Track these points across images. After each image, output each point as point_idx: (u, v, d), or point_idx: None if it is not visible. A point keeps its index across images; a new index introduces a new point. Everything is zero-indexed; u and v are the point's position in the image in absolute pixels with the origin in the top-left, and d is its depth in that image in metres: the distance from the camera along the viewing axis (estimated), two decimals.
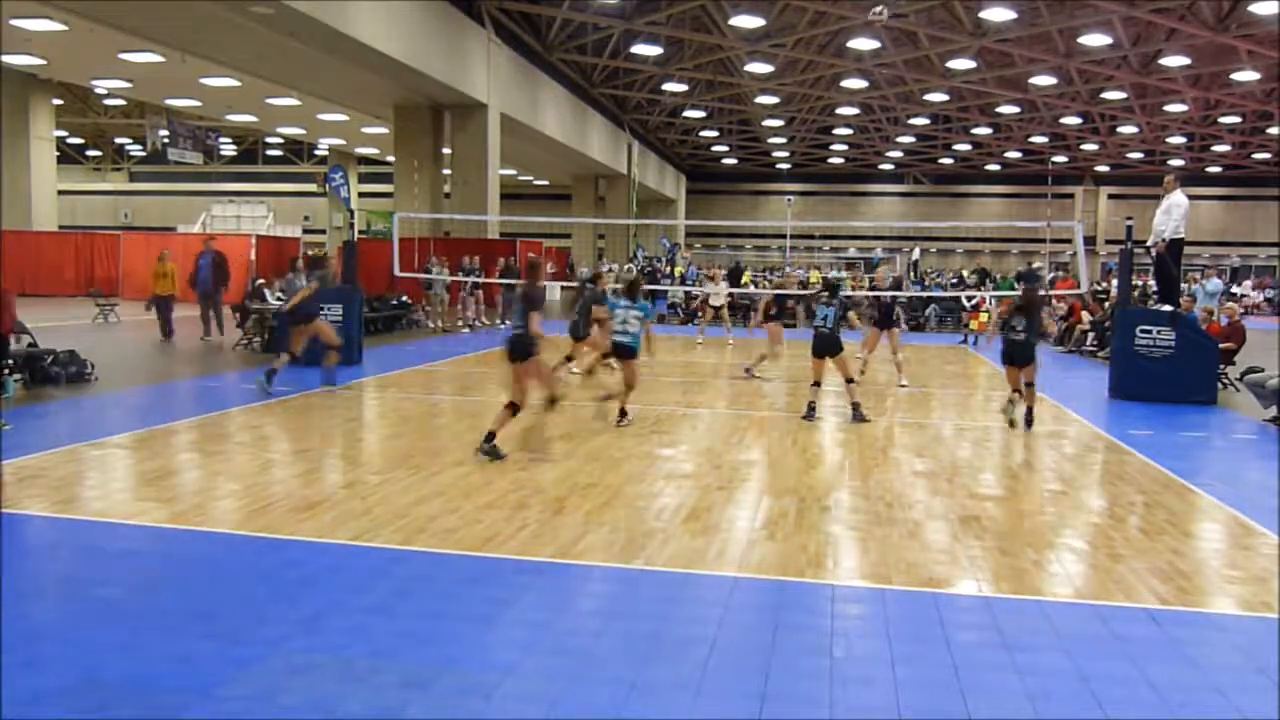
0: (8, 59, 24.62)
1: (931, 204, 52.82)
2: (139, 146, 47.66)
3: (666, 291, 26.36)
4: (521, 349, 7.69)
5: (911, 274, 32.53)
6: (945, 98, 33.48)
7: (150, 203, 52.56)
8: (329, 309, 13.50)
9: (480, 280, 21.07)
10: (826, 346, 9.96)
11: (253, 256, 26.25)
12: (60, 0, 17.89)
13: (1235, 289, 38.37)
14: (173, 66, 23.19)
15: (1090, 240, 47.09)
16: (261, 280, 17.10)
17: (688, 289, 26.12)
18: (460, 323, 20.79)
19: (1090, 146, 42.89)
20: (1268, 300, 39.34)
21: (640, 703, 3.62)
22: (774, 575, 5.08)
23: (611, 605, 4.71)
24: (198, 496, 6.46)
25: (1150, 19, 23.54)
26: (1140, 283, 19.16)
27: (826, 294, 10.27)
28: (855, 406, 10.01)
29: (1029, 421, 9.71)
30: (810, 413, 9.99)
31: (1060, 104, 34.24)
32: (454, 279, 20.74)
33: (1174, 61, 27.07)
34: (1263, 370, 11.28)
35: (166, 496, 6.39)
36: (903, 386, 12.78)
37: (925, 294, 25.21)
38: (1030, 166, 46.99)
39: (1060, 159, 45.55)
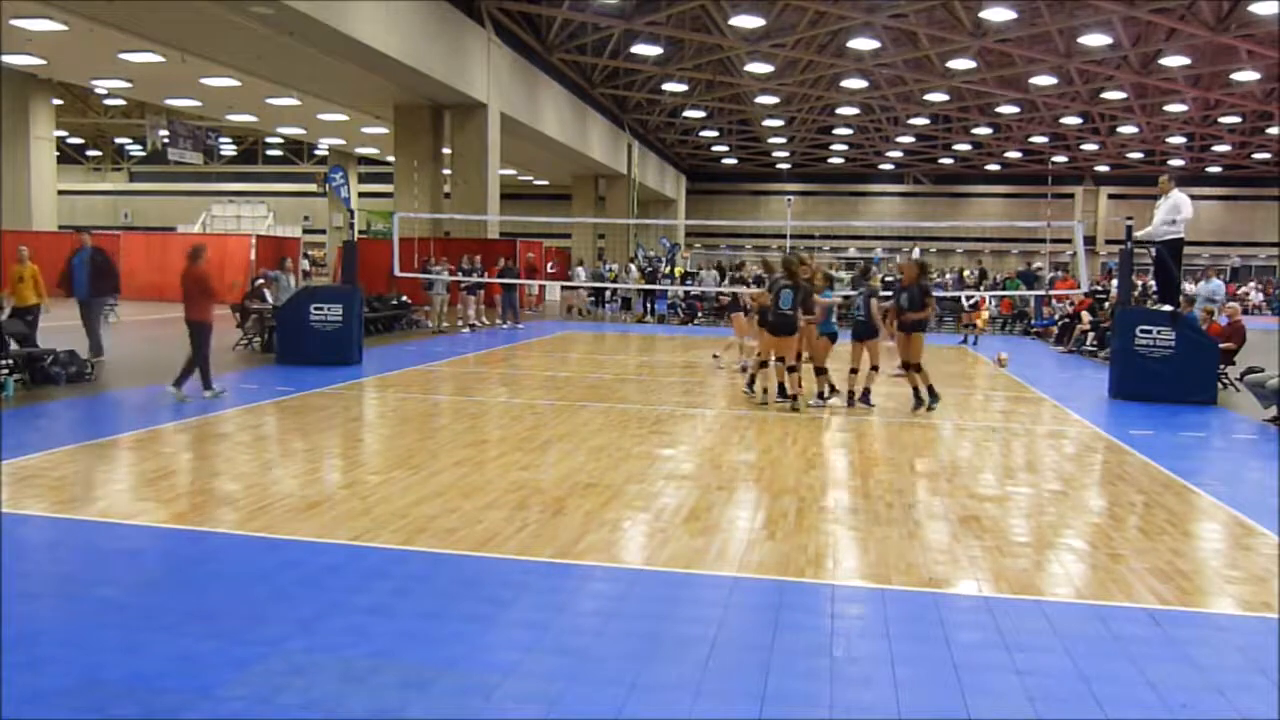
0: (8, 59, 24.63)
1: (931, 204, 52.84)
2: (139, 146, 47.71)
3: (665, 291, 26.36)
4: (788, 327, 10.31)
5: None
6: (945, 98, 33.49)
7: (150, 203, 52.61)
8: (329, 309, 13.53)
9: (482, 280, 21.09)
10: (784, 327, 10.26)
11: (253, 256, 26.27)
12: (60, 0, 17.90)
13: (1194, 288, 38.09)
14: (173, 66, 23.22)
15: (1090, 240, 47.10)
16: (262, 280, 17.10)
17: (689, 288, 26.12)
18: (460, 323, 20.80)
19: (1090, 146, 42.90)
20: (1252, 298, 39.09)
21: (640, 703, 3.61)
22: (774, 575, 5.08)
23: (611, 605, 4.70)
24: (198, 496, 6.46)
25: (1150, 19, 23.55)
26: (1140, 283, 19.15)
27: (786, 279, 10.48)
28: (786, 390, 10.58)
29: (866, 397, 10.94)
30: (752, 388, 11.21)
31: (1060, 104, 34.26)
32: (453, 279, 20.73)
33: (1174, 61, 27.08)
34: (1263, 370, 11.28)
35: (166, 496, 6.39)
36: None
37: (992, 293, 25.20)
38: (1030, 166, 47.02)
39: (1060, 159, 45.58)
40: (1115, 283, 19.25)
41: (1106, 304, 18.13)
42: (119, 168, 55.11)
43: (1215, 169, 46.07)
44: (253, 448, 8.16)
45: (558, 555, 5.30)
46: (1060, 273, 34.59)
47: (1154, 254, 12.80)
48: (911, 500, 6.74)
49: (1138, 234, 12.65)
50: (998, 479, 7.67)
